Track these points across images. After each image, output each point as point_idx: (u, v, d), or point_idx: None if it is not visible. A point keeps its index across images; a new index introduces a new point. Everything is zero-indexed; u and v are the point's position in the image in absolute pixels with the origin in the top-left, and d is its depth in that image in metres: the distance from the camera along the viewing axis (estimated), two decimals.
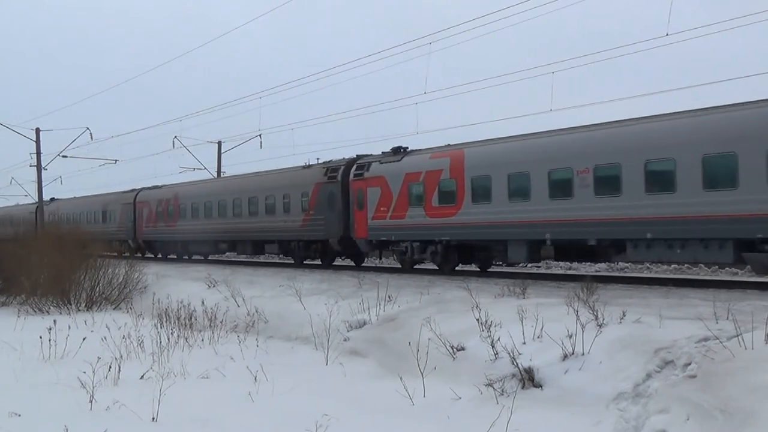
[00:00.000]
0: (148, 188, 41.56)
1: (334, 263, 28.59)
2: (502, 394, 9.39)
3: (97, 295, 22.30)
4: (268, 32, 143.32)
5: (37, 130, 45.90)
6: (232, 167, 61.11)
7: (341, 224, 25.78)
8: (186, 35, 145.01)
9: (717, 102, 16.34)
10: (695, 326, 9.44)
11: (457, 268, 22.92)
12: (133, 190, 42.61)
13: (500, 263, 22.66)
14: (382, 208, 23.99)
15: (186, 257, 38.41)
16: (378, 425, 8.91)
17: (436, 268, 23.20)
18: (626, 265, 24.38)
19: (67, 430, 7.95)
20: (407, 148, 24.25)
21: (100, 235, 42.97)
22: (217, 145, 47.48)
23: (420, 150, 23.57)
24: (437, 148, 22.82)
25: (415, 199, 22.77)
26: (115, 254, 40.97)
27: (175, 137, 43.49)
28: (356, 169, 25.36)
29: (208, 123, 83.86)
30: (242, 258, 37.58)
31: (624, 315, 10.43)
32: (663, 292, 14.79)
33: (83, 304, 21.69)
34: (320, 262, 28.49)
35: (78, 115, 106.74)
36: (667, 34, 19.12)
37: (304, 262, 29.18)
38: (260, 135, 41.92)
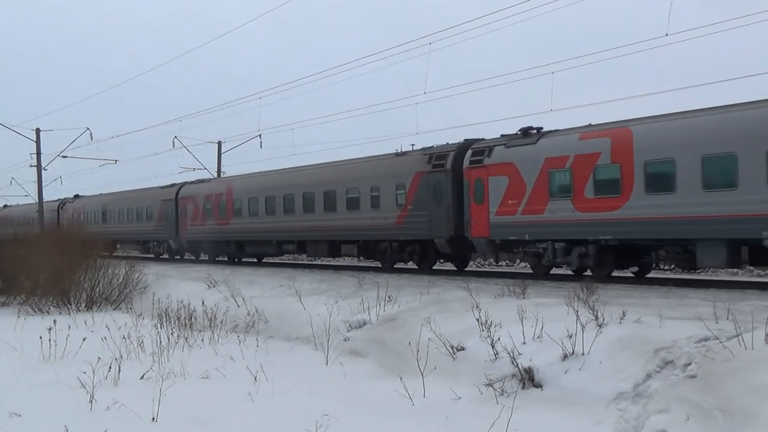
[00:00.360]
0: (193, 182, 37.76)
1: (434, 267, 24.12)
2: (502, 394, 9.40)
3: (97, 295, 22.32)
4: (268, 32, 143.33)
5: (37, 131, 45.87)
6: (233, 167, 61.03)
7: (451, 221, 21.77)
8: (186, 35, 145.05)
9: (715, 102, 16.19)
10: (695, 326, 9.44)
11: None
12: (173, 185, 38.69)
13: (670, 268, 18.63)
14: (510, 201, 19.95)
15: (237, 260, 34.45)
16: (378, 425, 8.91)
17: (570, 273, 19.87)
18: None
19: (67, 430, 7.95)
20: (541, 128, 20.13)
21: (133, 236, 40.87)
22: (217, 145, 47.47)
23: (562, 130, 19.56)
24: (588, 127, 18.80)
25: (559, 189, 18.76)
26: (152, 256, 39.31)
27: (175, 137, 43.39)
28: (473, 155, 21.15)
29: (208, 123, 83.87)
30: (248, 259, 37.37)
31: (624, 315, 10.44)
32: (663, 292, 14.79)
33: (83, 304, 21.71)
34: (416, 267, 24.37)
35: (78, 115, 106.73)
36: (666, 34, 19.11)
37: (395, 266, 25.02)
38: (260, 135, 41.92)
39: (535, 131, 20.08)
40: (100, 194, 47.56)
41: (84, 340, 12.92)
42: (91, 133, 44.44)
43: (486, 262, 28.14)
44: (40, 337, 13.10)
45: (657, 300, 13.00)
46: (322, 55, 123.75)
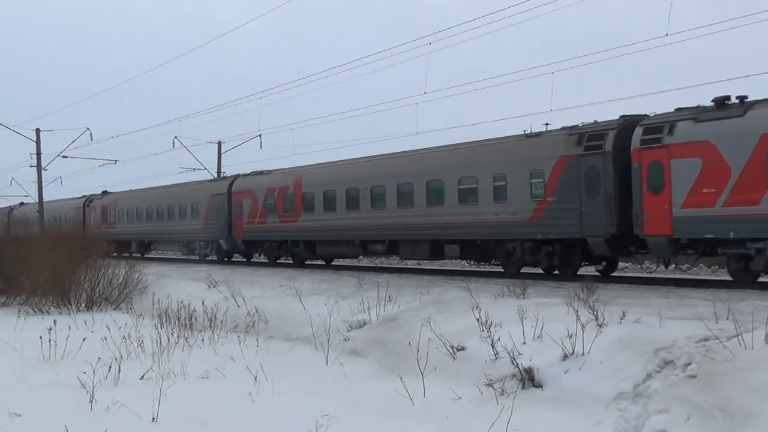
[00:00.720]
0: (249, 174, 32.75)
1: (522, 272, 20.10)
2: (502, 394, 9.40)
3: (97, 295, 22.33)
4: (268, 32, 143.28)
5: (37, 131, 45.83)
6: (233, 167, 60.95)
7: (613, 216, 17.66)
8: (186, 35, 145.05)
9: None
10: (695, 326, 9.45)
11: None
12: (225, 178, 34.59)
13: None
14: (705, 190, 15.93)
15: (303, 262, 29.60)
16: (378, 425, 8.91)
17: (729, 279, 16.66)
18: (626, 265, 24.25)
19: (67, 430, 7.95)
20: (745, 97, 15.87)
21: (175, 235, 37.03)
22: (217, 145, 47.49)
23: None
24: None
25: None
26: (197, 258, 35.78)
27: (175, 137, 43.29)
28: (645, 133, 17.07)
29: (208, 123, 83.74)
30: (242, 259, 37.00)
31: (624, 315, 10.44)
32: (663, 292, 14.80)
33: (83, 305, 21.71)
34: (543, 272, 20.50)
35: (78, 115, 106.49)
36: (666, 34, 19.10)
37: (521, 270, 20.42)
38: (260, 135, 41.93)
39: (737, 101, 15.97)
40: (133, 190, 43.96)
41: (84, 340, 12.92)
42: (91, 133, 44.34)
43: (641, 267, 23.04)
44: (40, 337, 13.10)
45: (657, 300, 13.00)
46: (322, 55, 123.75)
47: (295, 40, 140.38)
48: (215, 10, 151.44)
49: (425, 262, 28.78)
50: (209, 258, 35.24)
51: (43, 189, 46.81)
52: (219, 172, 46.52)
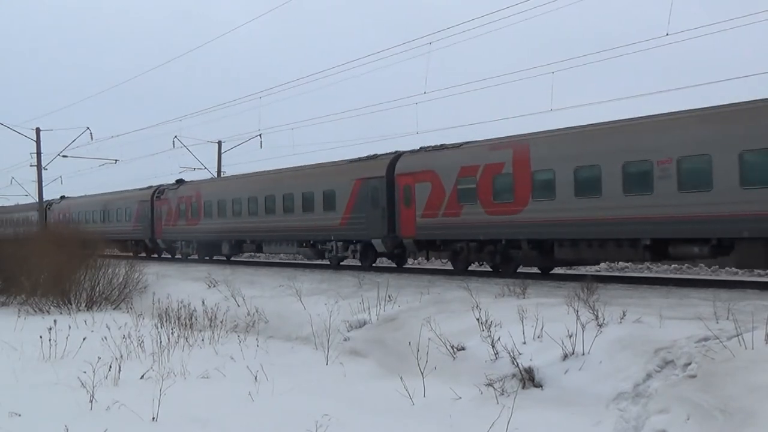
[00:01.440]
0: (421, 150, 23.74)
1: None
2: (503, 394, 9.39)
3: (97, 295, 22.32)
4: (268, 32, 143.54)
5: (38, 130, 45.90)
6: (232, 167, 60.91)
7: None
8: (186, 35, 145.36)
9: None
10: (695, 326, 9.44)
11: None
12: (378, 156, 25.35)
13: None
14: None
15: (515, 267, 21.01)
16: (378, 425, 8.91)
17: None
18: (626, 265, 24.22)
19: (67, 430, 7.96)
20: None
21: (295, 234, 28.24)
22: (217, 145, 47.52)
23: None
24: None
25: None
26: (327, 263, 27.57)
27: (175, 137, 43.34)
28: None
29: (208, 123, 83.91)
30: (244, 258, 36.93)
31: (624, 315, 10.44)
32: (663, 292, 14.80)
33: (83, 304, 21.70)
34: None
35: (78, 115, 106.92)
36: (667, 34, 19.14)
37: None
38: (260, 135, 41.92)
39: None
40: (224, 177, 36.97)
41: (84, 340, 12.92)
42: (91, 133, 44.44)
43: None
44: (40, 337, 13.10)
45: (657, 300, 13.00)
46: (322, 55, 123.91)
47: (295, 40, 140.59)
48: (216, 9, 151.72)
49: (424, 261, 27.82)
50: (346, 263, 27.55)
51: (44, 189, 46.89)
52: (219, 172, 46.57)
